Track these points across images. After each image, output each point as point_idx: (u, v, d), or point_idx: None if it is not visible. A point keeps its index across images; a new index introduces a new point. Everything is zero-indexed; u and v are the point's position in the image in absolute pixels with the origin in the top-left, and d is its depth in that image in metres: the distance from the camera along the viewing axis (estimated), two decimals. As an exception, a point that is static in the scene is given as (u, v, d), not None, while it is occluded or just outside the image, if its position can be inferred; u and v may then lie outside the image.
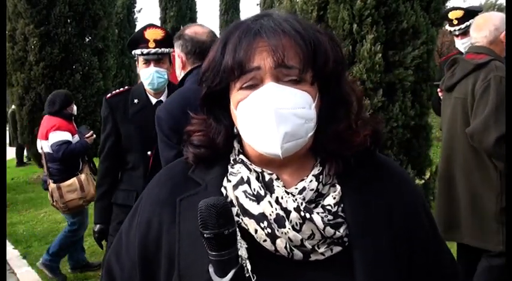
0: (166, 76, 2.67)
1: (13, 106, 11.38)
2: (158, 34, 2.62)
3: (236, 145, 0.95)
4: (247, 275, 0.81)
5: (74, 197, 4.03)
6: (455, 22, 3.44)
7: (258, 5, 22.54)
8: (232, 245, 0.79)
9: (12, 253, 5.29)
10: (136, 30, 2.76)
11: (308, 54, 0.83)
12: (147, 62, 2.63)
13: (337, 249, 0.86)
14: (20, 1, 8.90)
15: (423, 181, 4.90)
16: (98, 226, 2.83)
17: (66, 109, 4.38)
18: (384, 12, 4.51)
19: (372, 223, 0.87)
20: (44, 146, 4.27)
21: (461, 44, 3.46)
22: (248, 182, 0.88)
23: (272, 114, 0.81)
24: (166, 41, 2.62)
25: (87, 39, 9.56)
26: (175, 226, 0.91)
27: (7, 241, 5.65)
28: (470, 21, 3.33)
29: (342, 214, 0.86)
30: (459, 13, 3.42)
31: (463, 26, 3.43)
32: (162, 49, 2.61)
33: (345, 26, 4.53)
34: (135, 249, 0.97)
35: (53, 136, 4.13)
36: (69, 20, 9.15)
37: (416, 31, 4.55)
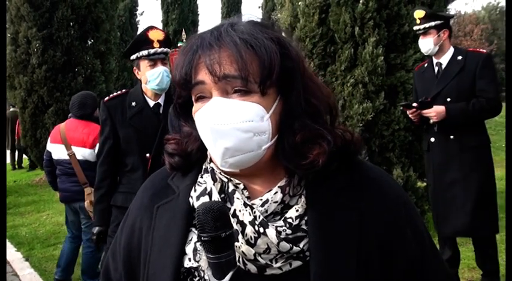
0: (170, 75, 2.70)
1: (12, 108, 11.43)
2: (160, 35, 2.67)
3: (209, 153, 0.93)
4: None
5: None
6: (418, 21, 3.55)
7: (259, 7, 22.58)
8: (230, 248, 0.80)
9: (14, 256, 5.30)
10: (139, 33, 2.78)
11: (246, 63, 0.80)
12: (154, 63, 2.65)
13: (296, 263, 0.83)
14: (22, 4, 8.92)
15: (425, 184, 4.90)
16: (97, 228, 2.85)
17: (94, 113, 4.13)
18: (386, 15, 4.53)
19: (336, 236, 0.83)
20: (85, 153, 3.92)
21: (421, 44, 3.57)
22: (210, 194, 0.89)
23: (208, 131, 0.82)
24: (167, 41, 2.69)
25: (90, 42, 9.57)
26: (150, 232, 0.94)
27: (10, 243, 5.67)
28: (431, 23, 3.45)
29: (304, 227, 0.84)
30: (421, 13, 3.54)
31: (422, 26, 3.51)
32: (166, 49, 2.66)
33: (347, 29, 4.55)
34: (122, 252, 1.00)
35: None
36: (71, 23, 9.16)
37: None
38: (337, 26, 4.62)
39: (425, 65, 3.67)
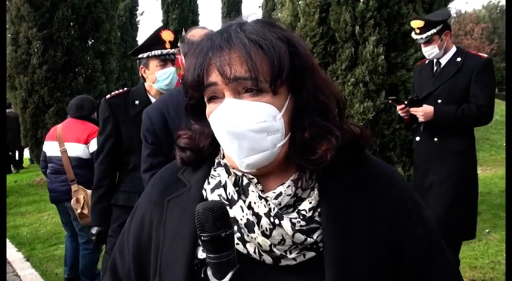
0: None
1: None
2: (171, 36, 2.70)
3: (222, 148, 0.94)
4: None
5: None
6: (418, 31, 3.41)
7: (260, 7, 22.59)
8: (230, 248, 0.80)
9: (15, 256, 5.30)
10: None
11: (256, 63, 0.82)
12: (164, 63, 2.66)
13: (310, 254, 0.85)
14: (23, 5, 8.93)
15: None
16: (96, 228, 2.82)
17: (91, 115, 4.15)
18: (386, 14, 4.53)
19: (348, 228, 0.85)
20: (78, 150, 3.92)
21: (425, 52, 3.45)
22: (224, 186, 0.91)
23: (224, 133, 0.83)
24: (176, 42, 2.70)
25: (90, 42, 9.58)
26: (162, 225, 0.95)
27: (11, 243, 5.67)
28: (433, 30, 3.33)
29: (317, 219, 0.86)
30: (420, 23, 3.40)
31: (424, 35, 3.38)
32: (175, 50, 2.68)
33: (347, 28, 4.55)
34: (131, 246, 1.01)
35: (95, 142, 3.64)
36: (71, 23, 9.17)
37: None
38: (337, 25, 4.62)
39: (427, 62, 3.61)
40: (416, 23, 3.40)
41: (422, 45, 3.45)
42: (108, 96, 2.77)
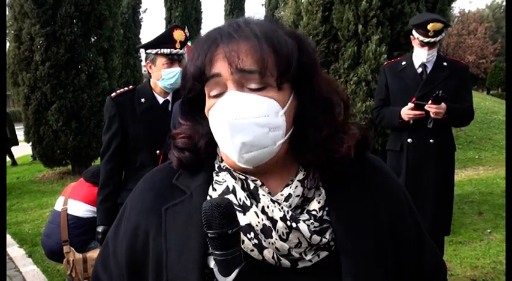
0: None
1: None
2: (182, 36, 2.70)
3: (219, 151, 0.92)
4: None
5: None
6: (432, 34, 3.29)
7: (263, 5, 22.59)
8: (236, 245, 0.79)
9: (17, 252, 5.31)
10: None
11: (265, 56, 0.80)
12: (172, 62, 2.66)
13: (324, 254, 0.85)
14: (26, 1, 8.94)
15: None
16: (102, 227, 2.81)
17: None
18: (389, 13, 4.52)
19: (357, 223, 0.87)
20: (79, 208, 3.73)
21: (427, 55, 3.35)
22: (234, 192, 0.87)
23: (226, 125, 0.80)
24: (185, 42, 2.70)
25: (93, 39, 9.58)
26: (162, 236, 0.90)
27: (13, 240, 5.69)
28: (443, 34, 3.32)
29: (327, 218, 0.86)
30: (440, 26, 3.27)
31: (437, 38, 3.31)
32: (184, 50, 2.69)
33: (350, 27, 4.55)
34: (123, 257, 0.95)
35: None
36: (74, 20, 9.18)
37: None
38: (340, 24, 4.61)
39: (403, 63, 3.51)
40: (436, 26, 3.27)
41: (425, 48, 3.34)
42: (113, 94, 2.75)
